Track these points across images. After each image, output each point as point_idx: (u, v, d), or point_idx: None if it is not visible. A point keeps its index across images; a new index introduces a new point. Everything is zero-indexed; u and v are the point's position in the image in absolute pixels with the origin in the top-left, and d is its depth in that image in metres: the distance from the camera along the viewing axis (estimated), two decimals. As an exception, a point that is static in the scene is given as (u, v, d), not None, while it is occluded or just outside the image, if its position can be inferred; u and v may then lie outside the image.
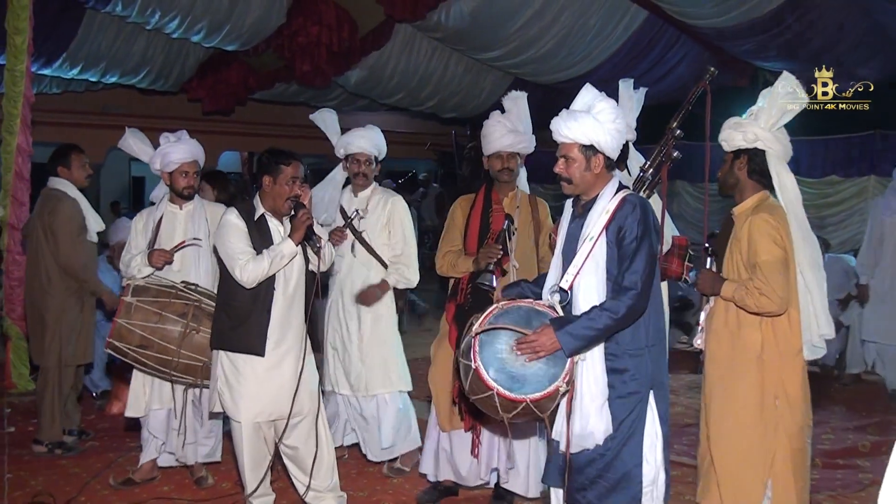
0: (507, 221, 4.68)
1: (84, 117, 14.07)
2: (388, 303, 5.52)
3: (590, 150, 3.57)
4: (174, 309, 4.68)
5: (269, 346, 4.57)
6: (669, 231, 4.60)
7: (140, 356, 4.67)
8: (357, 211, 5.45)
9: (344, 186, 5.65)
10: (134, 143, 5.36)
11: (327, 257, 4.81)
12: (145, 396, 5.18)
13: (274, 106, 14.59)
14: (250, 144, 15.83)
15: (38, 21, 7.81)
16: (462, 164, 15.64)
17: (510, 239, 4.65)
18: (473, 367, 3.51)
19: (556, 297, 3.66)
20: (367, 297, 5.39)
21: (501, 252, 4.63)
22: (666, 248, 4.50)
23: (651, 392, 3.61)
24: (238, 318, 4.50)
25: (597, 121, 3.52)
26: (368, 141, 5.46)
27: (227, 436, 5.06)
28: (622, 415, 3.57)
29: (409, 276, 5.45)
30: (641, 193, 4.35)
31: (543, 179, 15.71)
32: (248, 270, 4.40)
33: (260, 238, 4.55)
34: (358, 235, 5.40)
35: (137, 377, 5.16)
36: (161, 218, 5.18)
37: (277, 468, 5.02)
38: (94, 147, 12.38)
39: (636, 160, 4.84)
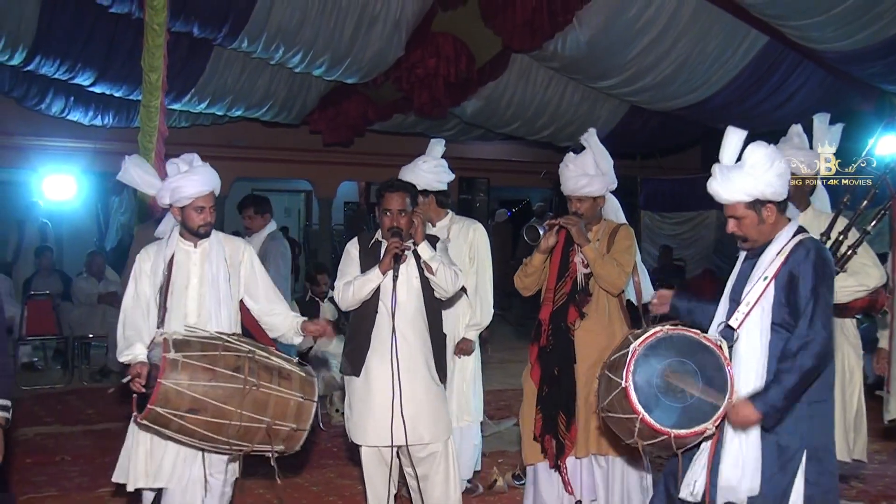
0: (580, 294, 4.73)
1: (211, 150, 13.88)
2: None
3: (756, 204, 3.50)
4: (226, 363, 4.08)
5: (377, 370, 4.62)
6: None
7: (187, 422, 3.99)
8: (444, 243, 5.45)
9: None
10: (136, 174, 4.49)
11: (446, 284, 4.71)
12: (153, 468, 4.31)
13: (391, 136, 14.78)
14: (368, 174, 16.14)
15: (170, 59, 8.10)
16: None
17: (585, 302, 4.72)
18: (623, 385, 3.46)
19: (723, 335, 3.59)
20: (464, 350, 5.50)
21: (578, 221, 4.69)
22: None
23: (804, 453, 3.47)
24: (349, 341, 4.71)
25: (753, 175, 3.45)
26: (412, 175, 5.34)
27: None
28: (770, 471, 3.46)
29: (483, 320, 5.53)
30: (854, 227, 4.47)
31: (662, 207, 15.61)
32: (338, 294, 4.65)
33: (371, 264, 4.65)
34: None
35: (143, 442, 4.31)
36: (172, 258, 4.45)
37: (402, 495, 5.06)
38: (220, 179, 13.20)
39: (823, 198, 4.95)
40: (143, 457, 4.30)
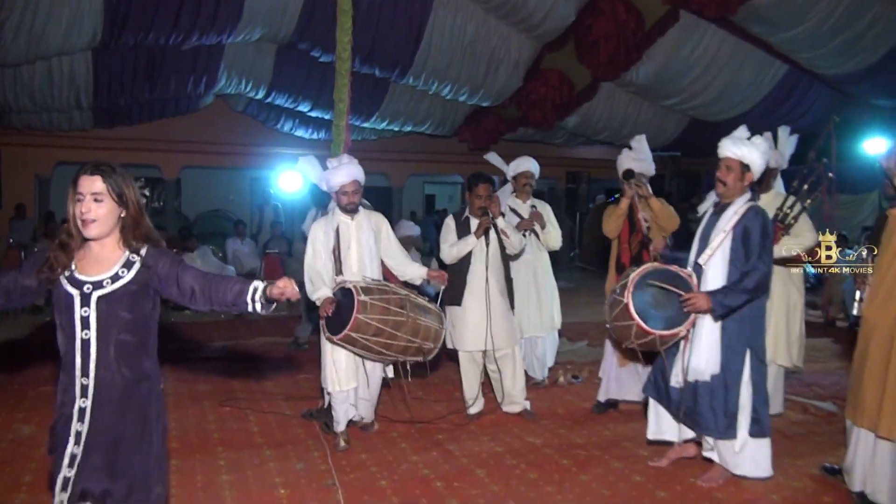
0: (646, 238, 5.37)
1: (392, 154, 16.09)
2: (548, 265, 6.53)
3: (745, 167, 4.02)
4: (395, 303, 4.71)
5: (471, 301, 5.43)
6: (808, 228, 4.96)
7: (368, 342, 4.65)
8: (533, 206, 6.37)
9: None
10: (306, 169, 5.13)
11: (516, 244, 5.53)
12: (347, 374, 5.02)
13: (518, 143, 15.66)
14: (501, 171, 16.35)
15: (358, 92, 9.92)
16: (668, 183, 17.21)
17: (650, 243, 5.31)
18: (625, 302, 3.91)
19: (695, 270, 4.06)
20: (535, 219, 6.22)
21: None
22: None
23: (748, 351, 4.00)
24: (451, 282, 5.34)
25: (756, 148, 4.02)
26: (531, 164, 6.38)
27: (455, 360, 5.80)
28: (726, 360, 3.99)
29: (556, 244, 6.43)
30: (798, 203, 4.86)
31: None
32: (444, 253, 5.49)
33: (463, 231, 5.50)
34: (530, 227, 6.31)
35: (338, 358, 5.00)
36: (338, 227, 5.02)
37: (485, 384, 5.79)
38: (399, 175, 15.84)
39: (780, 185, 5.43)
40: (335, 368, 5.03)
